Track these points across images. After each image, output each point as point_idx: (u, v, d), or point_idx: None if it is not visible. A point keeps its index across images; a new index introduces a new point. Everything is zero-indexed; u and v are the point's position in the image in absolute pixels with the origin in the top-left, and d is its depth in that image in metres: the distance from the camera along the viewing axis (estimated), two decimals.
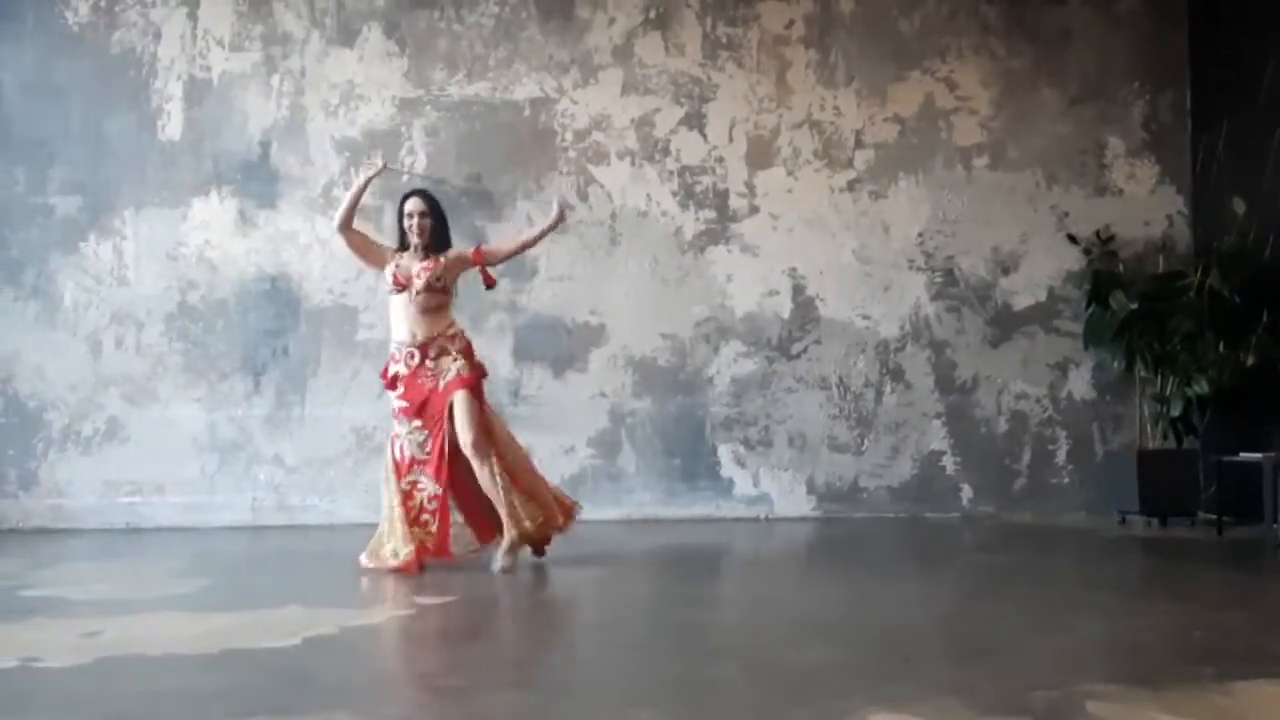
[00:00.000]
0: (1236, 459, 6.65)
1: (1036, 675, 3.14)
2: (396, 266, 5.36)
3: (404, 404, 5.32)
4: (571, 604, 4.64)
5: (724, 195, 7.85)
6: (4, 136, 7.66)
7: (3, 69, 7.69)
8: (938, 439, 7.80)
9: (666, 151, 7.85)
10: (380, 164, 5.51)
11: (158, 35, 7.76)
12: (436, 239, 5.42)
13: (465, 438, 5.19)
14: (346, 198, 5.53)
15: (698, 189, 7.85)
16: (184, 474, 7.57)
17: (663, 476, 7.74)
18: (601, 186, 7.80)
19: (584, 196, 7.68)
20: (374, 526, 7.44)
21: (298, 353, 7.68)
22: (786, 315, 7.82)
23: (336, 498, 7.61)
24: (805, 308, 7.83)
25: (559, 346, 7.73)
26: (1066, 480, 7.81)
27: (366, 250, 5.51)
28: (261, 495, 7.61)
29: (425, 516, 5.30)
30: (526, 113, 7.83)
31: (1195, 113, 7.88)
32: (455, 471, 5.32)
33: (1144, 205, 7.89)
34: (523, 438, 7.46)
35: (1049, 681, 3.03)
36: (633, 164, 7.82)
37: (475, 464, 5.24)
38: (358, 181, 5.54)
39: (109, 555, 6.28)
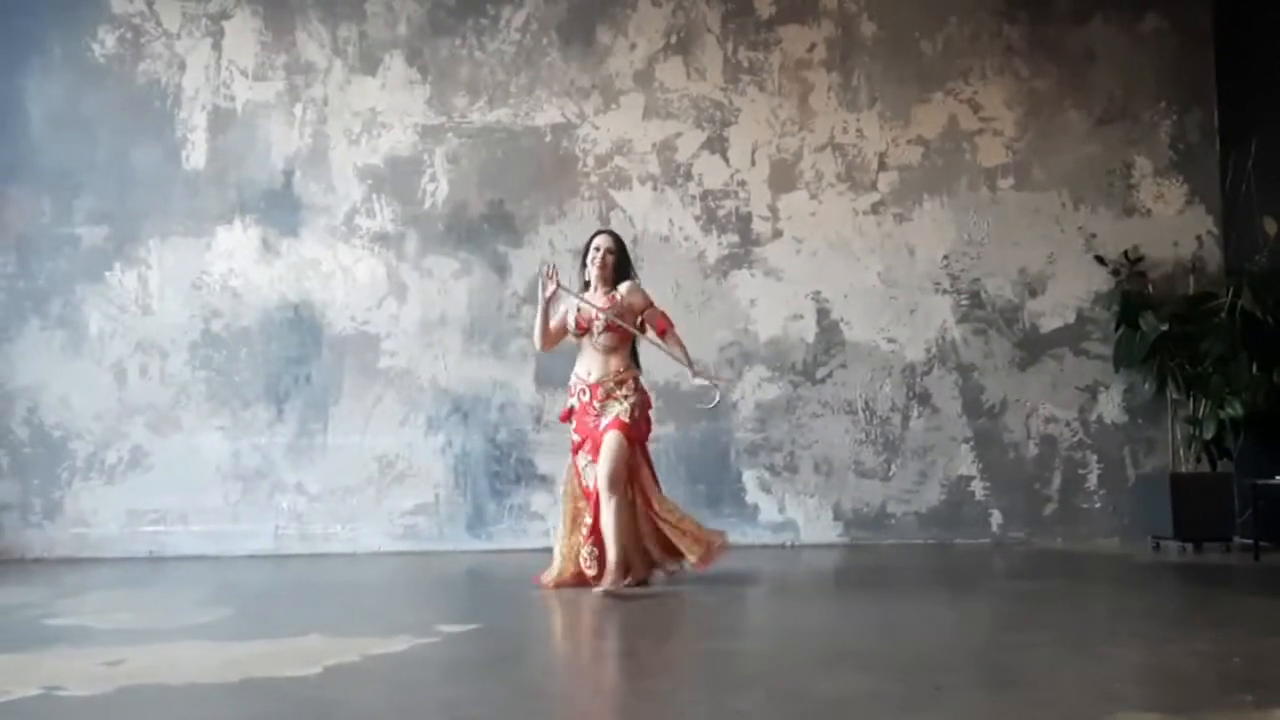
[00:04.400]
0: (1272, 482, 6.54)
1: (1070, 704, 3.07)
2: (579, 310, 5.52)
3: (576, 438, 5.58)
4: (595, 631, 4.58)
5: (747, 219, 7.83)
6: (31, 167, 7.74)
7: (30, 101, 7.78)
8: (966, 464, 7.72)
9: (688, 176, 7.84)
10: (554, 286, 5.52)
11: (182, 66, 7.83)
12: (618, 277, 5.60)
13: (602, 471, 5.35)
14: (537, 321, 5.61)
15: (720, 213, 7.83)
16: (207, 502, 7.58)
17: (687, 503, 7.58)
18: (623, 211, 7.79)
19: (606, 221, 7.66)
20: (396, 555, 7.49)
21: (320, 381, 7.69)
22: (811, 339, 7.77)
23: (359, 526, 7.59)
24: (830, 331, 7.78)
25: None
26: (1098, 505, 7.70)
27: (561, 336, 5.65)
28: (284, 524, 7.60)
29: (576, 538, 5.53)
30: (548, 138, 7.84)
31: (1223, 131, 7.81)
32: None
33: (1173, 225, 7.81)
34: (546, 464, 7.50)
35: (1083, 711, 2.96)
36: (655, 189, 7.82)
37: (602, 499, 5.37)
38: (540, 304, 5.58)
39: (132, 584, 6.28)
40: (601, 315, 5.47)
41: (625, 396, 5.48)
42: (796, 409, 7.74)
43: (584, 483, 5.55)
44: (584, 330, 5.52)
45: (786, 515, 7.69)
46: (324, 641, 4.20)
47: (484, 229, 7.76)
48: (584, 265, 5.67)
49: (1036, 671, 3.59)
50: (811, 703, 3.17)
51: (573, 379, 5.63)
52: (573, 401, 5.61)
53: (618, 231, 6.01)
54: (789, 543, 7.64)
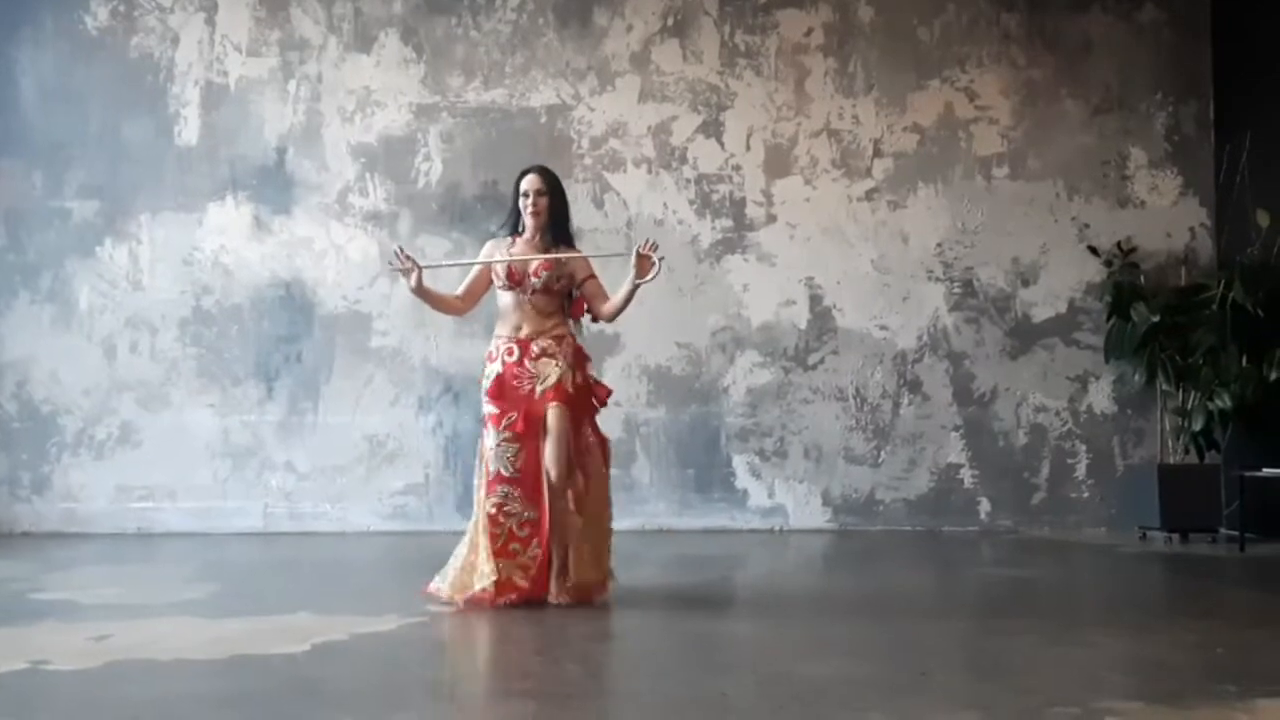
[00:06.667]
0: (1259, 474, 6.57)
1: (1056, 692, 3.08)
2: (510, 259, 4.65)
3: (493, 409, 4.57)
4: (584, 614, 4.59)
5: (741, 204, 7.81)
6: (23, 140, 7.69)
7: (22, 73, 7.72)
8: (955, 451, 7.73)
9: (683, 159, 7.82)
10: (416, 273, 4.59)
11: (175, 40, 7.78)
12: (555, 222, 4.70)
13: (553, 468, 4.49)
14: (432, 306, 4.88)
15: (714, 197, 7.81)
16: (196, 480, 7.57)
17: (677, 487, 7.69)
18: (617, 194, 7.77)
19: (600, 204, 7.65)
20: (385, 535, 7.47)
21: (311, 359, 7.67)
22: (803, 325, 7.77)
23: (348, 505, 7.59)
24: (822, 318, 7.78)
25: None
26: (1086, 495, 7.73)
27: (478, 289, 4.78)
28: (273, 502, 7.60)
29: (514, 545, 4.49)
30: (543, 120, 7.82)
31: (1218, 124, 7.81)
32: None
33: (1166, 217, 7.82)
34: None
35: (1068, 698, 2.97)
36: (649, 172, 7.80)
37: (551, 496, 4.50)
38: (423, 296, 4.72)
39: (120, 560, 6.27)
40: (542, 273, 4.60)
41: (565, 356, 4.59)
42: (787, 394, 7.74)
43: (493, 467, 4.55)
44: (517, 283, 4.62)
45: (776, 500, 7.70)
46: (312, 619, 4.20)
47: (477, 209, 7.73)
48: (515, 210, 4.75)
49: (1022, 658, 3.61)
50: (798, 686, 3.18)
51: (494, 341, 4.67)
52: (495, 367, 4.60)
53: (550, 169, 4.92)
54: (778, 528, 7.65)
